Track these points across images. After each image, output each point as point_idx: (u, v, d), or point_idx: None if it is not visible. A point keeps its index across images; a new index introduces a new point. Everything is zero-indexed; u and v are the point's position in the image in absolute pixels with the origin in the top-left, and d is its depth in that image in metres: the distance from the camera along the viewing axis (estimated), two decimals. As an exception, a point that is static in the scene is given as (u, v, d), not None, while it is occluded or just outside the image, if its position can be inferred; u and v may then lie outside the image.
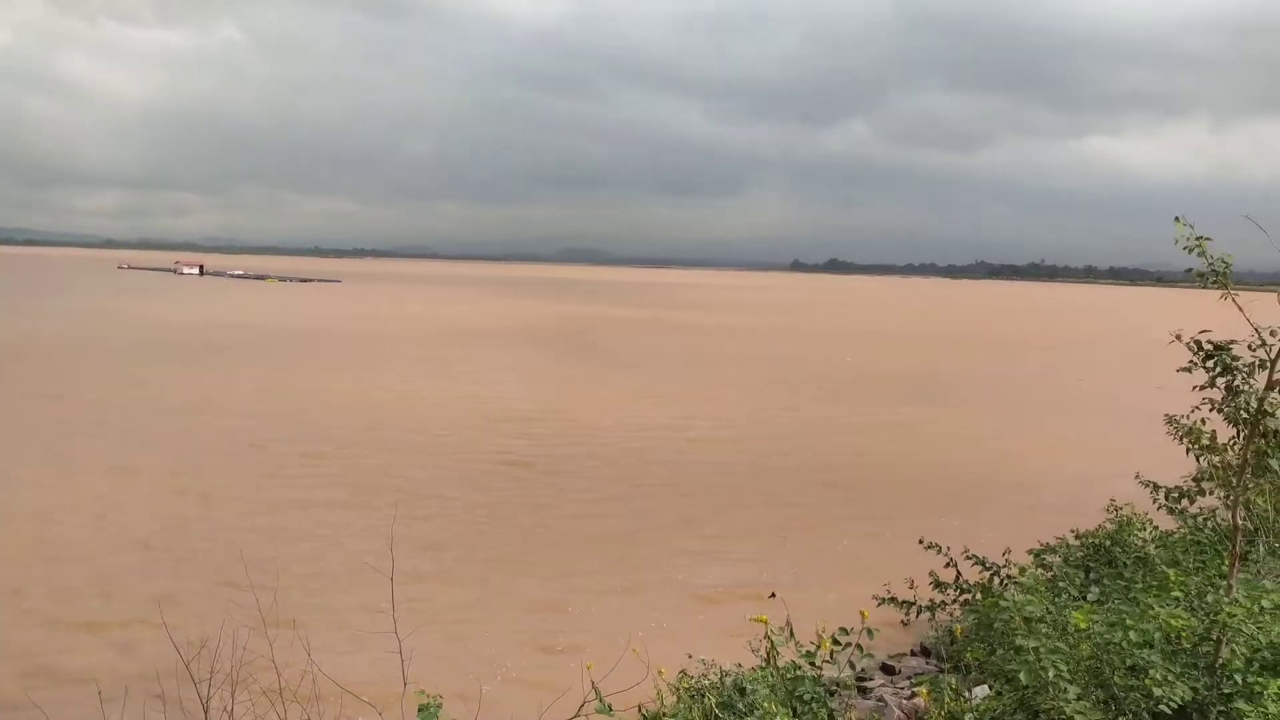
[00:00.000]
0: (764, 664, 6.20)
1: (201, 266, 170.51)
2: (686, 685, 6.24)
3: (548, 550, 14.27)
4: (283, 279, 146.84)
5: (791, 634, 6.32)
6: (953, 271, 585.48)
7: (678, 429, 24.75)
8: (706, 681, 6.18)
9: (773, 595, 7.09)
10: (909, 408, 30.30)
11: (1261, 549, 8.37)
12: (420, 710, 4.70)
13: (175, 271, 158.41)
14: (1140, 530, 9.02)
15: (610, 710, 5.13)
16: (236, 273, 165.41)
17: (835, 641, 6.26)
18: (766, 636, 6.23)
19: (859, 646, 6.21)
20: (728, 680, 6.12)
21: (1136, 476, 9.34)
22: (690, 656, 6.67)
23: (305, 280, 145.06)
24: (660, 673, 6.24)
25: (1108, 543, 8.99)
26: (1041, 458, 22.46)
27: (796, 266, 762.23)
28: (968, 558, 9.24)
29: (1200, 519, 9.21)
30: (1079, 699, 4.51)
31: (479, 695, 6.74)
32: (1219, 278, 5.36)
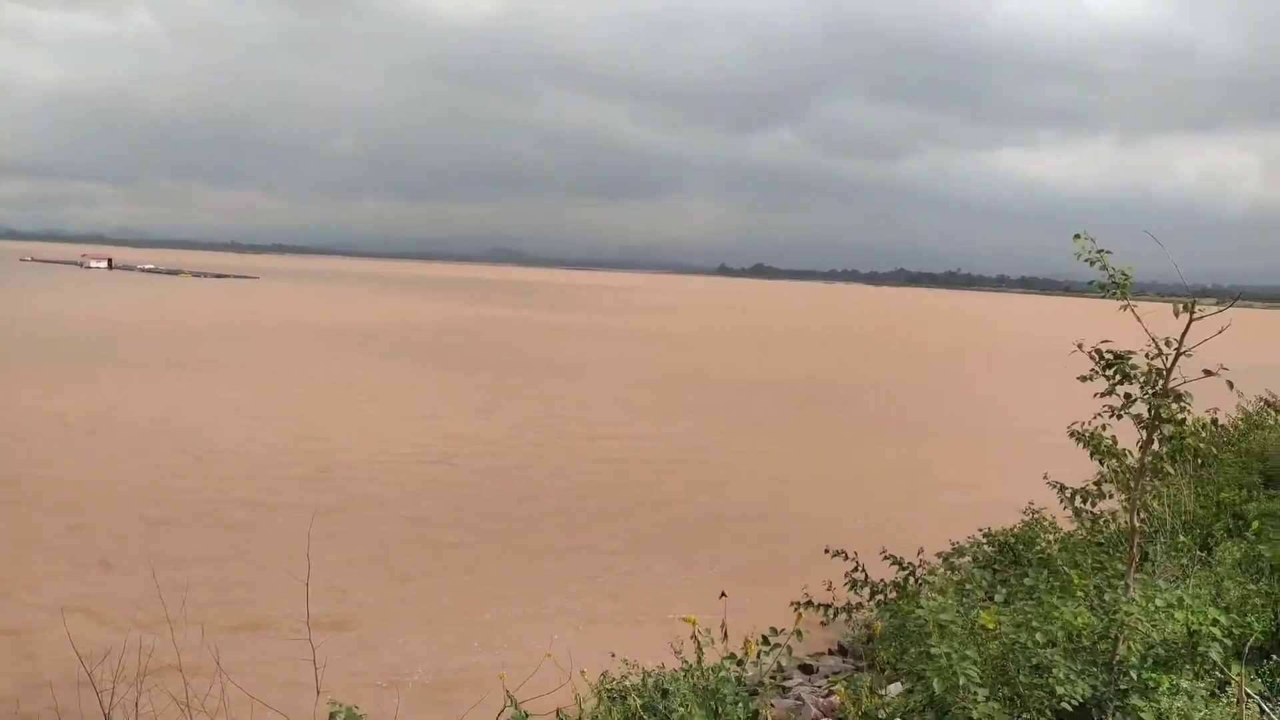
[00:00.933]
0: (689, 665, 6.23)
1: (110, 260, 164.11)
2: (609, 687, 6.23)
3: (462, 564, 14.20)
4: (197, 275, 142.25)
5: (726, 635, 6.38)
6: (875, 278, 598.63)
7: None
8: (629, 683, 6.17)
9: (723, 595, 7.13)
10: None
11: (1159, 549, 8.75)
12: (331, 718, 4.61)
13: (82, 265, 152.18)
14: (1047, 532, 9.33)
15: (526, 716, 5.10)
16: (147, 267, 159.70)
17: (765, 641, 6.33)
18: (693, 637, 6.27)
19: (788, 648, 6.29)
20: (649, 681, 6.13)
21: (1045, 477, 9.64)
22: (614, 656, 6.66)
23: (220, 276, 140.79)
24: (583, 672, 6.22)
25: (1015, 543, 9.28)
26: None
27: (723, 270, 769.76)
28: (884, 557, 9.44)
29: (1102, 521, 9.58)
30: (987, 700, 4.67)
31: (395, 705, 6.63)
32: (1119, 289, 5.60)
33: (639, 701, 5.79)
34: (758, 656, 6.31)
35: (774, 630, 6.34)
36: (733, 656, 6.21)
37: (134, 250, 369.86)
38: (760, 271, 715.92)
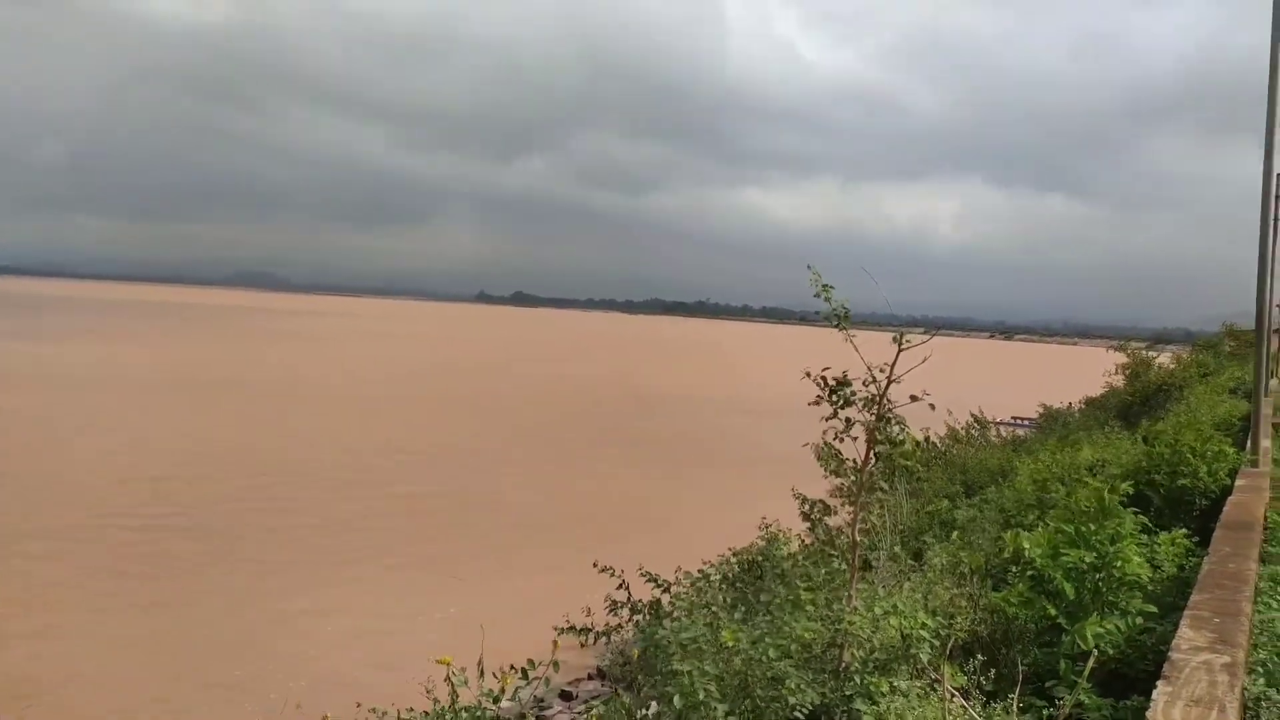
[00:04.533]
0: (442, 708, 6.00)
1: None
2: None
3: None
4: None
5: (482, 672, 6.20)
6: (630, 307, 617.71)
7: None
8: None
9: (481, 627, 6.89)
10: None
11: (881, 558, 9.56)
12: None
13: None
14: (785, 545, 9.93)
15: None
16: None
17: (523, 674, 6.22)
18: (447, 679, 6.05)
19: (546, 680, 6.21)
20: (398, 730, 5.85)
21: (793, 490, 10.24)
22: (359, 706, 6.32)
23: None
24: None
25: (759, 559, 9.79)
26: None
27: (483, 298, 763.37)
28: (641, 574, 9.63)
29: (835, 533, 10.34)
30: (728, 715, 4.85)
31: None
32: (840, 320, 6.12)
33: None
34: (514, 693, 6.20)
35: (532, 663, 6.26)
36: (489, 693, 6.06)
37: None
38: (521, 299, 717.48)
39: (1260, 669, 6.11)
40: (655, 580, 9.58)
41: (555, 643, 6.34)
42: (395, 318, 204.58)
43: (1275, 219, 25.45)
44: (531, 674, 6.19)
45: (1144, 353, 30.28)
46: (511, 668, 6.24)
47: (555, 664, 6.16)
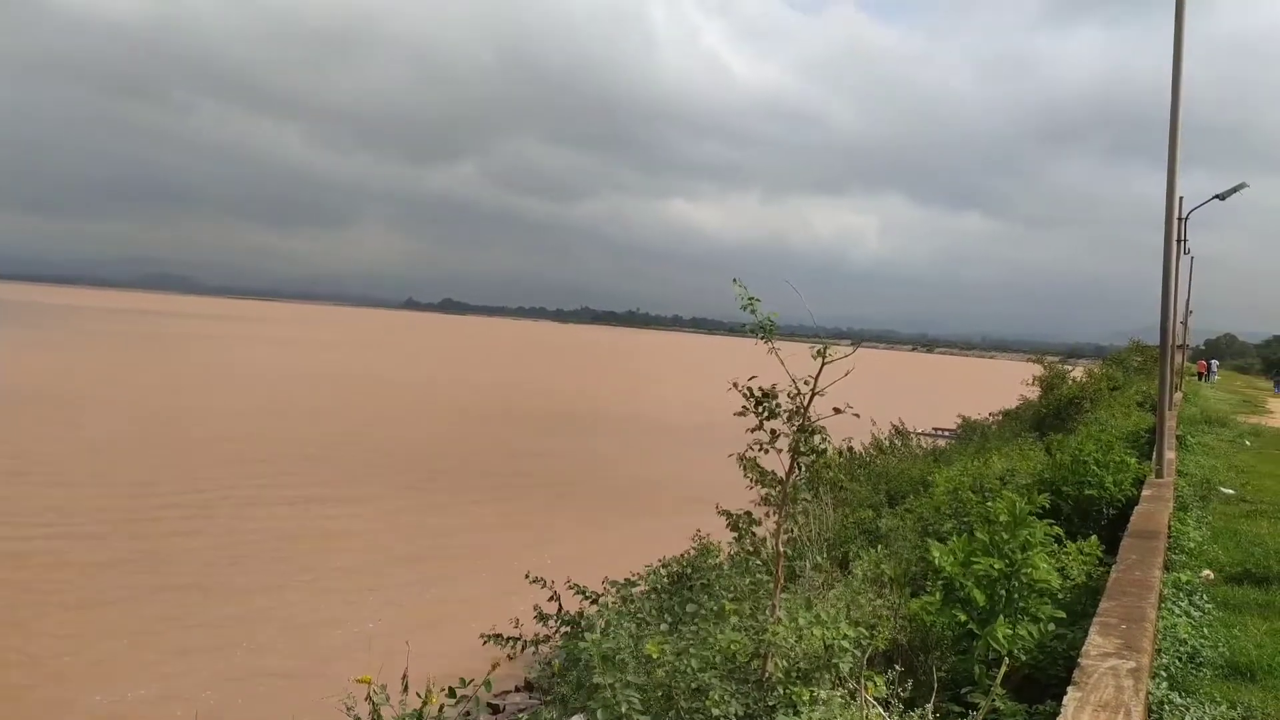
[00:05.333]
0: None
1: None
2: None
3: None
4: None
5: (406, 688, 6.06)
6: (561, 315, 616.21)
7: None
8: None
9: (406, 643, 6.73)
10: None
11: (807, 567, 9.67)
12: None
13: None
14: (714, 556, 9.97)
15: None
16: None
17: (451, 694, 6.09)
18: (368, 698, 5.90)
19: (477, 698, 6.10)
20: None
21: (717, 507, 10.31)
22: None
23: None
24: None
25: (688, 570, 9.80)
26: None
27: (410, 305, 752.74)
28: (570, 586, 9.57)
29: (762, 542, 10.43)
30: (650, 728, 4.85)
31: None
32: (766, 333, 6.18)
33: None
34: (440, 710, 6.07)
35: (463, 681, 6.15)
36: (414, 713, 5.92)
37: None
38: (449, 307, 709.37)
39: (1164, 673, 6.36)
40: (583, 592, 9.53)
41: (495, 664, 6.23)
42: (310, 323, 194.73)
43: (1179, 239, 26.73)
44: (460, 692, 6.07)
45: (1060, 365, 31.35)
46: (443, 689, 6.12)
47: (488, 683, 6.06)
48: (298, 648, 13.75)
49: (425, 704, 6.00)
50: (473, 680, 6.12)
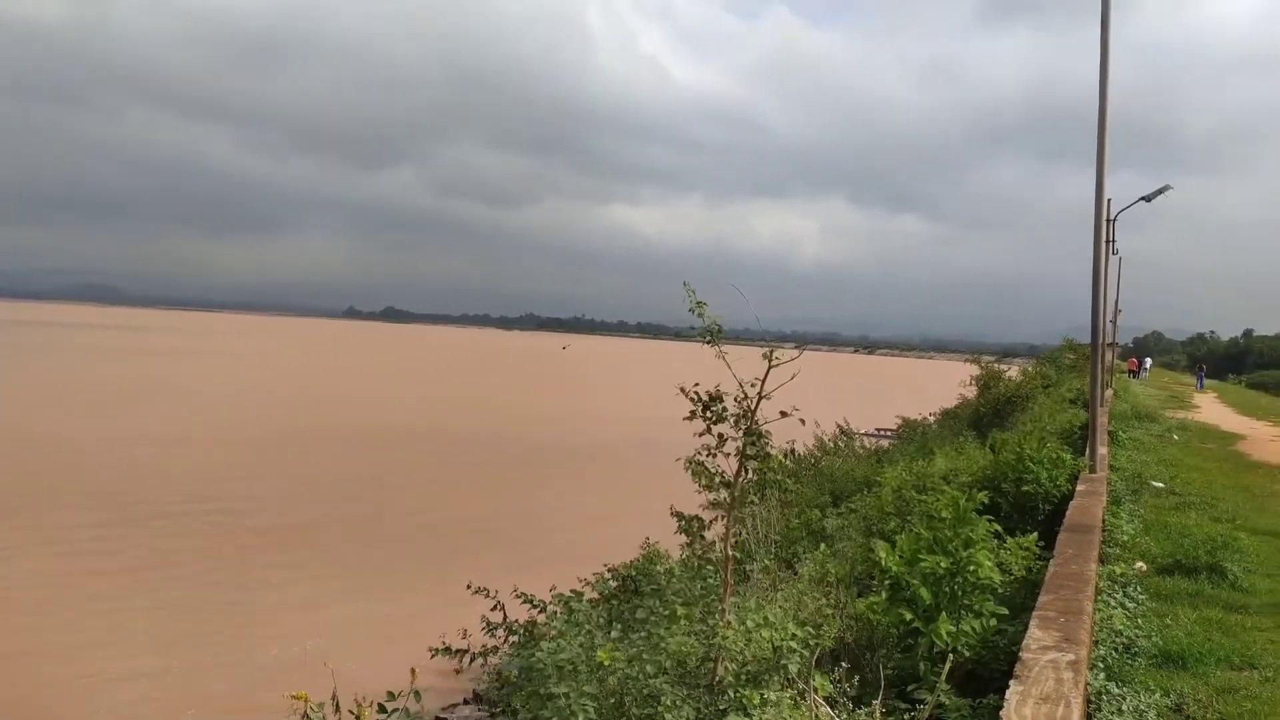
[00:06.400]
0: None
1: None
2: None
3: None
4: None
5: (338, 706, 5.93)
6: (505, 322, 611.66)
7: None
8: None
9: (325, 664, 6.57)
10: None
11: (756, 570, 9.73)
12: None
13: None
14: (662, 562, 9.97)
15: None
16: None
17: (381, 709, 5.97)
18: (305, 715, 5.77)
19: (406, 711, 5.99)
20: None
21: (671, 510, 10.27)
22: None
23: None
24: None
25: (636, 576, 9.79)
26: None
27: (351, 313, 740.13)
28: (517, 595, 9.48)
29: (708, 547, 10.44)
30: (603, 735, 4.84)
31: None
32: (713, 337, 6.23)
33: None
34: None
35: (391, 694, 6.03)
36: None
37: None
38: (392, 315, 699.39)
39: (1101, 664, 6.53)
40: (531, 600, 9.46)
41: (413, 671, 6.09)
42: (241, 334, 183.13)
43: (1107, 240, 27.58)
44: (390, 705, 5.96)
45: (996, 365, 32.07)
46: (372, 704, 6.00)
47: (417, 694, 5.94)
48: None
49: (359, 717, 5.87)
50: (401, 692, 6.00)
